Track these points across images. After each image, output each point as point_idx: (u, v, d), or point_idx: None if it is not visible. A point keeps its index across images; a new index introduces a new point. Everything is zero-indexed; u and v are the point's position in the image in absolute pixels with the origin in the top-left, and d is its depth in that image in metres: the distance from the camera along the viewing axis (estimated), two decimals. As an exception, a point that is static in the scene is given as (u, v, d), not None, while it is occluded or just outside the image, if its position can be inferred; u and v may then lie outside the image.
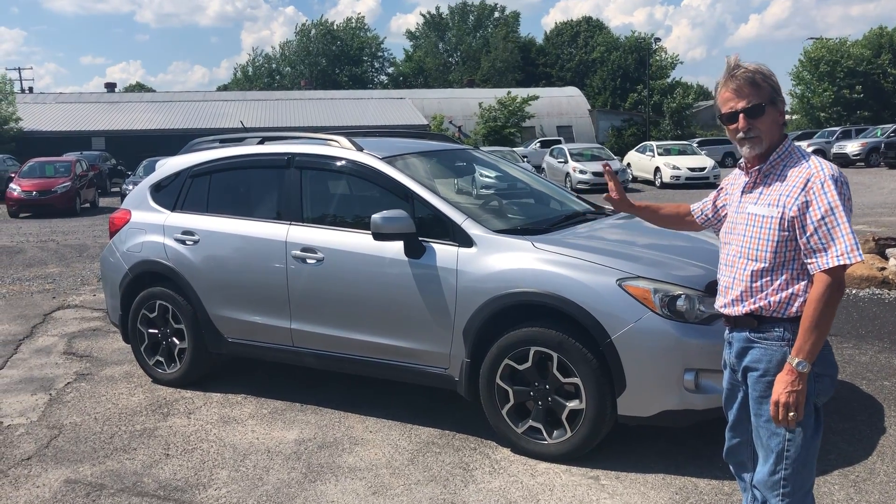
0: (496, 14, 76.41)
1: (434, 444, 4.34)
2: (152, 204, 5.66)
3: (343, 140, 5.00)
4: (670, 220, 3.13)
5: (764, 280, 2.46)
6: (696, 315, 3.83)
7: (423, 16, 78.44)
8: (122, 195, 20.81)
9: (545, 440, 4.07)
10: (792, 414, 2.34)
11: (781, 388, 2.35)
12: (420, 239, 4.37)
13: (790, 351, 2.40)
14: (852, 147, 32.84)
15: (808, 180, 2.38)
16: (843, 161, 31.99)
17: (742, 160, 2.60)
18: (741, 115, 2.45)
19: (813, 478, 2.56)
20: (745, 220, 2.53)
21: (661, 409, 3.83)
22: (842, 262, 2.30)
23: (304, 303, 4.83)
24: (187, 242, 5.30)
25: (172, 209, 5.52)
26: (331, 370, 5.02)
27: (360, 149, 4.89)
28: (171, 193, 5.59)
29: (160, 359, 5.53)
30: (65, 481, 4.02)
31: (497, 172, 6.04)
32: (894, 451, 4.01)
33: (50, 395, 5.42)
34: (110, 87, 53.97)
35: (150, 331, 5.53)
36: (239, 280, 5.10)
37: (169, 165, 5.78)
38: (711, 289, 3.88)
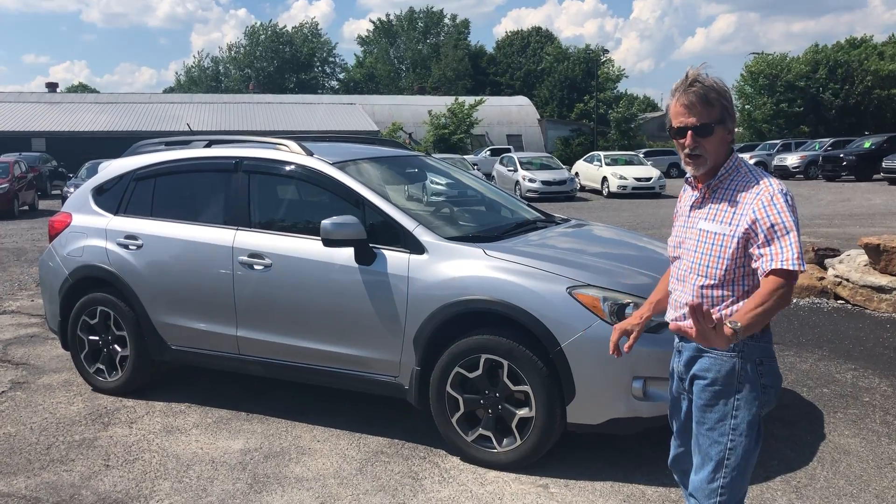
0: (446, 21, 76.81)
1: (383, 454, 4.29)
2: (94, 207, 5.50)
3: (293, 144, 4.93)
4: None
5: (715, 295, 2.49)
6: (644, 323, 3.86)
7: (374, 22, 78.50)
8: (63, 198, 20.22)
9: (495, 448, 4.05)
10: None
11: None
12: (371, 245, 4.33)
13: (739, 362, 2.42)
14: (792, 160, 33.83)
15: (758, 194, 2.40)
16: (783, 173, 33.02)
17: (689, 175, 2.61)
18: (689, 133, 2.45)
19: (747, 486, 2.58)
20: (696, 235, 2.54)
21: (610, 416, 3.85)
22: (785, 267, 2.31)
23: (251, 310, 4.74)
24: (130, 247, 5.16)
25: (115, 213, 5.38)
26: (278, 378, 4.94)
27: (310, 153, 4.83)
28: (115, 196, 5.44)
29: (101, 366, 5.36)
30: (-2, 494, 3.87)
31: (449, 180, 6.02)
32: (834, 458, 4.10)
33: (-17, 404, 5.23)
34: (52, 86, 52.52)
35: (91, 338, 5.37)
36: (183, 286, 4.98)
37: (112, 168, 5.63)
38: (659, 297, 3.94)
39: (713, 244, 2.48)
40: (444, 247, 4.24)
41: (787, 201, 2.38)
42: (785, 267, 2.31)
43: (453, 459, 4.19)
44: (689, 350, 2.58)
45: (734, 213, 2.44)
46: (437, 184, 7.23)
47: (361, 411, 4.92)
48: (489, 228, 4.92)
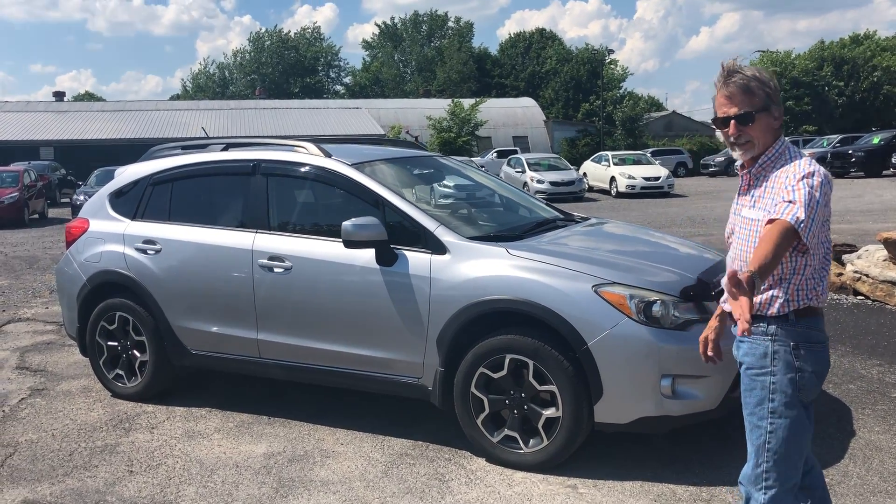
0: (450, 24, 76.86)
1: (408, 456, 4.25)
2: (111, 212, 5.48)
3: (310, 146, 4.91)
4: None
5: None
6: (671, 321, 3.82)
7: (379, 26, 78.60)
8: (73, 206, 20.27)
9: (521, 449, 4.01)
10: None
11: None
12: (392, 246, 4.30)
13: (772, 346, 2.46)
14: (800, 157, 33.59)
15: (786, 176, 2.44)
16: (792, 170, 32.79)
17: (738, 162, 2.64)
18: (732, 122, 2.51)
19: (797, 475, 2.56)
20: (741, 222, 2.59)
21: (638, 415, 3.81)
22: (792, 220, 2.28)
23: (272, 313, 4.71)
24: (149, 252, 5.14)
25: (133, 218, 5.36)
26: (299, 382, 4.90)
27: (328, 155, 4.80)
28: (132, 202, 5.42)
29: (120, 372, 5.34)
30: (22, 502, 3.84)
31: (465, 179, 5.98)
32: (865, 454, 4.05)
33: (3, 411, 5.20)
34: (59, 95, 52.72)
35: (110, 343, 5.35)
36: (203, 290, 4.96)
37: (129, 173, 5.61)
38: (686, 294, 3.90)
39: (751, 230, 2.52)
40: (467, 247, 4.21)
41: (813, 177, 2.36)
42: (792, 221, 2.28)
43: (479, 461, 4.15)
44: (735, 336, 2.58)
45: (771, 198, 2.46)
46: (446, 186, 7.19)
47: (382, 413, 4.89)
48: (510, 228, 4.88)
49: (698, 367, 3.82)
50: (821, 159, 32.28)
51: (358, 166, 4.71)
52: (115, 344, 5.34)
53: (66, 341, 6.89)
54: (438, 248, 4.23)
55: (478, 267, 4.11)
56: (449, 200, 6.53)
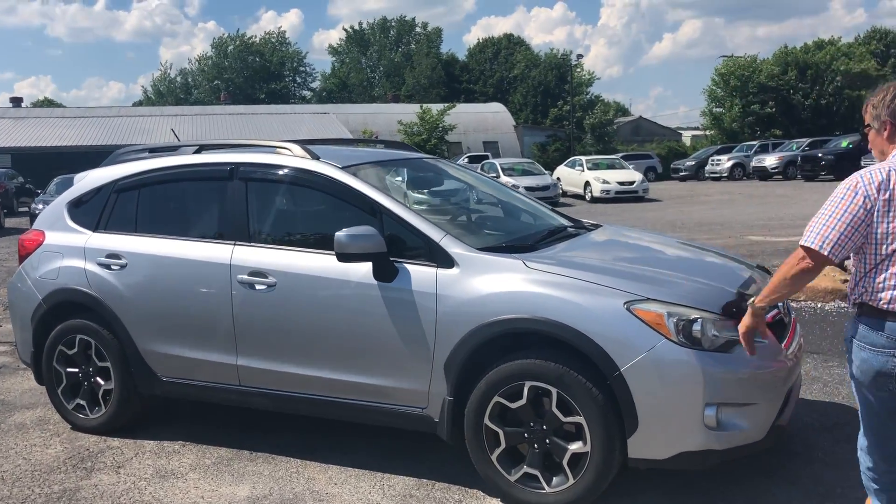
0: (417, 29, 76.52)
1: (412, 497, 3.75)
2: (70, 223, 4.91)
3: (295, 147, 4.40)
4: None
5: None
6: (711, 341, 3.37)
7: (346, 30, 78.00)
8: (31, 215, 19.42)
9: (543, 489, 3.53)
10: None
11: None
12: (391, 259, 3.80)
13: (852, 327, 2.72)
14: (770, 161, 33.75)
15: None
16: (762, 174, 33.07)
17: None
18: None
19: (870, 447, 2.83)
20: None
21: (679, 450, 3.34)
22: (801, 243, 2.60)
23: (253, 335, 4.19)
24: (113, 267, 4.59)
25: (94, 229, 4.79)
26: (285, 412, 4.38)
27: (315, 157, 4.29)
28: (93, 211, 4.86)
29: (81, 402, 4.77)
30: (-36, 564, 3.28)
31: (460, 183, 5.51)
32: None
33: (-53, 449, 4.61)
34: (16, 101, 51.24)
35: (70, 370, 4.77)
36: (175, 310, 4.42)
37: (90, 179, 5.04)
38: (728, 311, 3.46)
39: None
40: (478, 259, 3.72)
41: (844, 184, 2.59)
42: (802, 243, 2.60)
43: (493, 501, 3.67)
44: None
45: None
46: (420, 193, 6.73)
47: (378, 446, 4.38)
48: (521, 237, 4.42)
49: (745, 394, 3.40)
50: (790, 163, 32.41)
51: (349, 169, 4.22)
52: (76, 370, 4.77)
53: (20, 365, 6.27)
54: (445, 260, 3.74)
55: (491, 282, 3.62)
56: (423, 207, 6.08)
